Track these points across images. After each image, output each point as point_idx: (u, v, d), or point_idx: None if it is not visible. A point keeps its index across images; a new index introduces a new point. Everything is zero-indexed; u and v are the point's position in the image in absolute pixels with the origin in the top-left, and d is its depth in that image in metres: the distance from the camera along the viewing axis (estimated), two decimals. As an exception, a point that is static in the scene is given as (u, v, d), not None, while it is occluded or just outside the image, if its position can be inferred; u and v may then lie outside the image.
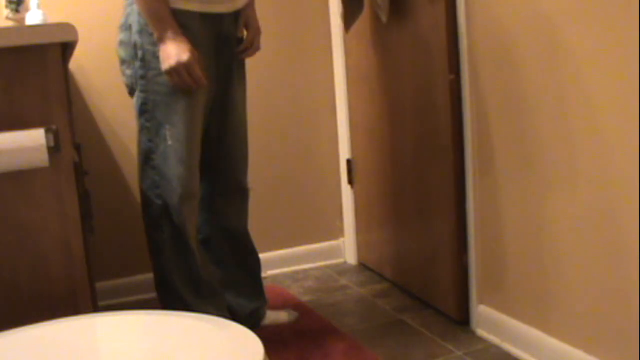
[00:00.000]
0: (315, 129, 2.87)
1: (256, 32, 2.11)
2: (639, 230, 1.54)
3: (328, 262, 2.93)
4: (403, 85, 2.39)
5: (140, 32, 1.87)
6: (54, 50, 1.43)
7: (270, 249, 2.81)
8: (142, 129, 1.94)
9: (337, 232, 2.95)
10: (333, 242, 2.95)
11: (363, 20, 2.54)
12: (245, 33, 2.11)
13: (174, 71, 1.82)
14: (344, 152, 2.88)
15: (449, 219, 2.20)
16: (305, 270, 2.87)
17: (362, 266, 2.87)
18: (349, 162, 2.87)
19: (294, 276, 2.81)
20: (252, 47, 2.10)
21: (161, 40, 1.83)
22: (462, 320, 2.21)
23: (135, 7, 1.87)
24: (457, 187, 2.16)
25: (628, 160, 1.57)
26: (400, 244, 2.56)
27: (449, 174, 2.18)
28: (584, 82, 1.67)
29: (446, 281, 2.26)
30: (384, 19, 2.31)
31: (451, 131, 2.13)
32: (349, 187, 2.89)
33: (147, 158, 1.95)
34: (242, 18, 2.06)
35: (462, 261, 2.19)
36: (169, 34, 1.82)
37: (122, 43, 1.94)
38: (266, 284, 2.42)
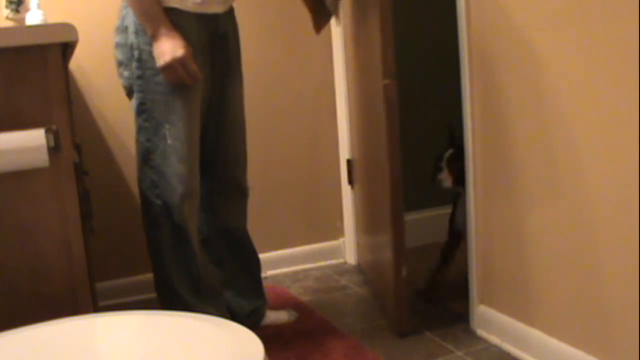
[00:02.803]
0: (315, 129, 2.87)
1: None
2: (639, 233, 1.55)
3: (328, 262, 2.93)
4: (366, 87, 2.39)
5: (136, 32, 1.87)
6: (54, 50, 1.43)
7: (270, 249, 2.81)
8: (140, 129, 1.94)
9: (337, 232, 2.95)
10: (333, 242, 2.95)
11: (351, 21, 2.54)
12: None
13: (169, 67, 1.82)
14: (344, 152, 2.88)
15: (388, 231, 2.15)
16: (305, 270, 2.87)
17: (361, 266, 2.87)
18: (349, 162, 2.87)
19: (294, 276, 2.81)
20: None
21: (154, 37, 1.83)
22: (402, 333, 2.15)
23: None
24: (393, 198, 2.09)
25: (603, 177, 1.64)
26: (370, 249, 2.58)
27: (385, 184, 2.12)
28: (563, 105, 1.71)
29: (389, 291, 2.21)
30: (333, 13, 2.26)
31: (386, 138, 2.07)
32: (349, 187, 2.89)
33: (145, 158, 1.95)
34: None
35: (402, 274, 2.13)
36: (162, 31, 1.82)
37: (118, 45, 1.94)
38: (266, 284, 2.42)
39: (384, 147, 2.09)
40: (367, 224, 2.63)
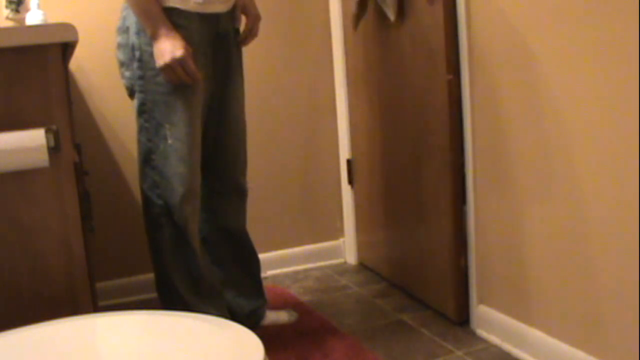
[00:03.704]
0: (315, 129, 2.87)
1: (255, 18, 2.10)
2: (638, 232, 1.55)
3: (328, 262, 2.93)
4: (402, 85, 2.39)
5: (138, 33, 1.87)
6: (54, 50, 1.43)
7: (270, 249, 2.81)
8: (141, 129, 1.95)
9: (337, 232, 2.95)
10: (333, 242, 2.95)
11: (362, 20, 2.54)
12: (243, 22, 2.10)
13: (168, 67, 1.83)
14: (344, 152, 2.88)
15: (447, 220, 2.20)
16: (305, 270, 2.87)
17: (362, 266, 2.87)
18: (349, 162, 2.87)
19: (294, 276, 2.81)
20: (251, 33, 2.09)
21: (154, 37, 1.83)
22: (461, 320, 2.21)
23: None
24: (455, 188, 2.16)
25: (600, 177, 1.65)
26: (398, 245, 2.57)
27: (446, 175, 2.17)
28: (561, 106, 1.71)
29: (444, 282, 2.25)
30: (392, 17, 2.30)
31: (449, 131, 2.13)
32: (349, 187, 2.89)
33: (146, 158, 1.95)
34: (239, 8, 2.06)
35: (460, 263, 2.18)
36: (162, 31, 1.82)
37: (120, 46, 1.94)
38: (266, 284, 2.42)
39: (447, 138, 2.14)
40: (391, 219, 2.62)
